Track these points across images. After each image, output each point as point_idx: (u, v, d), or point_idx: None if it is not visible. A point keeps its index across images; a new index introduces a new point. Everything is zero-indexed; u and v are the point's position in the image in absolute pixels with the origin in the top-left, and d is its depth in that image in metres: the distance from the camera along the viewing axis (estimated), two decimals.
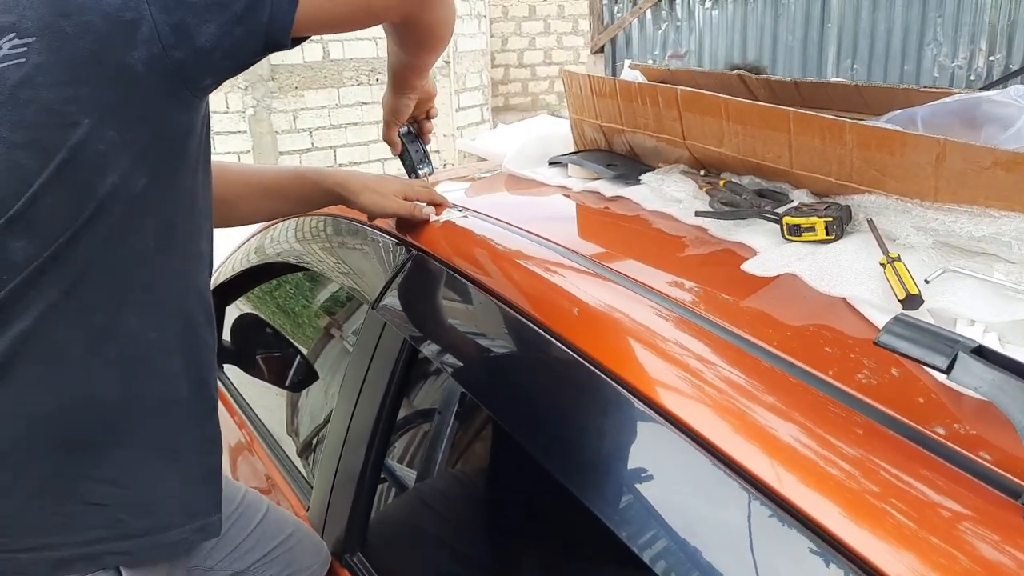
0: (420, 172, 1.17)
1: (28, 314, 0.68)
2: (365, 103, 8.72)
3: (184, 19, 0.68)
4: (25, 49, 0.67)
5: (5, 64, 0.67)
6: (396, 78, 1.05)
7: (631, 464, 0.67)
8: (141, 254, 0.73)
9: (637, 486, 0.65)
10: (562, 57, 12.03)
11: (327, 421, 1.53)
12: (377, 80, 8.34)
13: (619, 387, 0.69)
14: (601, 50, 5.39)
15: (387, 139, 1.13)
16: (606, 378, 0.70)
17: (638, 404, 0.66)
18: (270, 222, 1.65)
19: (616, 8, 5.30)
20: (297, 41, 0.76)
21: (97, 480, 0.73)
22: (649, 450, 0.66)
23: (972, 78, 4.82)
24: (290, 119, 8.13)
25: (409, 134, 1.16)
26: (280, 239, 1.57)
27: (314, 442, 1.56)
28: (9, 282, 0.68)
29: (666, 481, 0.64)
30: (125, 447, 0.74)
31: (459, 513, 1.12)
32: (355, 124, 8.73)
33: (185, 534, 0.78)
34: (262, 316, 1.82)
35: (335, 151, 8.65)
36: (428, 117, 1.15)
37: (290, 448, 1.55)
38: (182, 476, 0.79)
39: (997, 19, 4.70)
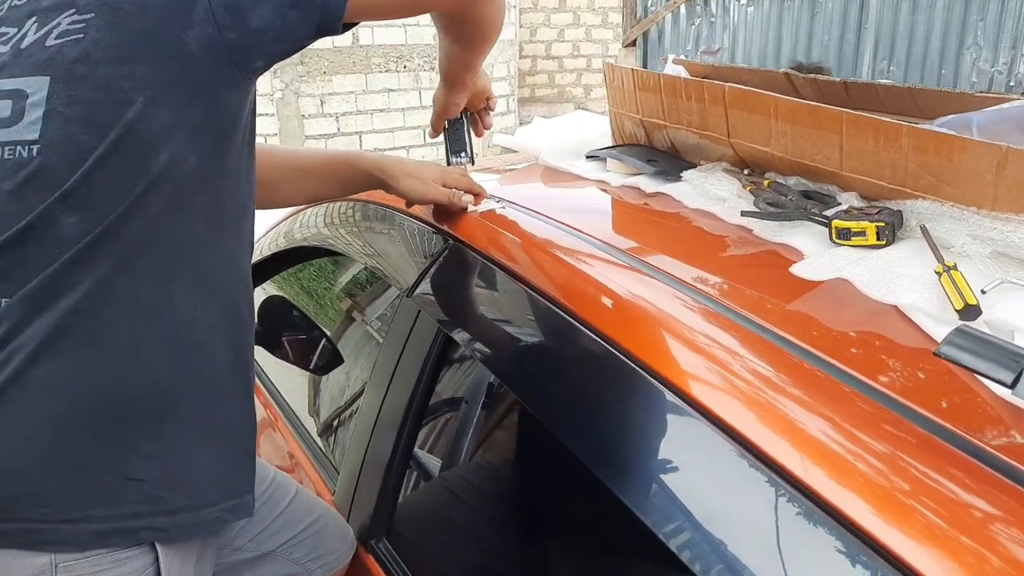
0: (453, 160, 1.16)
1: (78, 289, 0.69)
2: (392, 90, 8.73)
3: (238, 0, 0.69)
4: (83, 25, 0.68)
5: (63, 40, 0.68)
6: (447, 75, 1.05)
7: (666, 459, 0.66)
8: (190, 233, 0.74)
9: (670, 479, 0.64)
10: (590, 50, 11.95)
11: (349, 404, 1.54)
12: (404, 67, 8.34)
13: (656, 382, 0.68)
14: (633, 44, 5.33)
15: (434, 128, 1.14)
16: (643, 373, 0.69)
17: (675, 400, 0.65)
18: (302, 207, 1.66)
19: (650, 2, 5.25)
20: (348, 26, 0.76)
21: (139, 454, 0.73)
22: (684, 446, 0.66)
23: (1012, 84, 4.72)
24: (317, 103, 8.16)
25: (456, 121, 1.14)
26: (311, 224, 1.58)
27: (335, 423, 1.57)
28: (60, 256, 0.68)
29: (700, 477, 0.63)
30: (168, 423, 0.75)
31: (487, 504, 1.12)
32: (381, 111, 8.74)
33: (219, 512, 0.78)
34: (289, 299, 1.83)
35: (361, 137, 8.66)
36: (487, 109, 1.14)
37: (314, 429, 1.56)
38: (220, 454, 0.79)
39: None
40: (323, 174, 1.11)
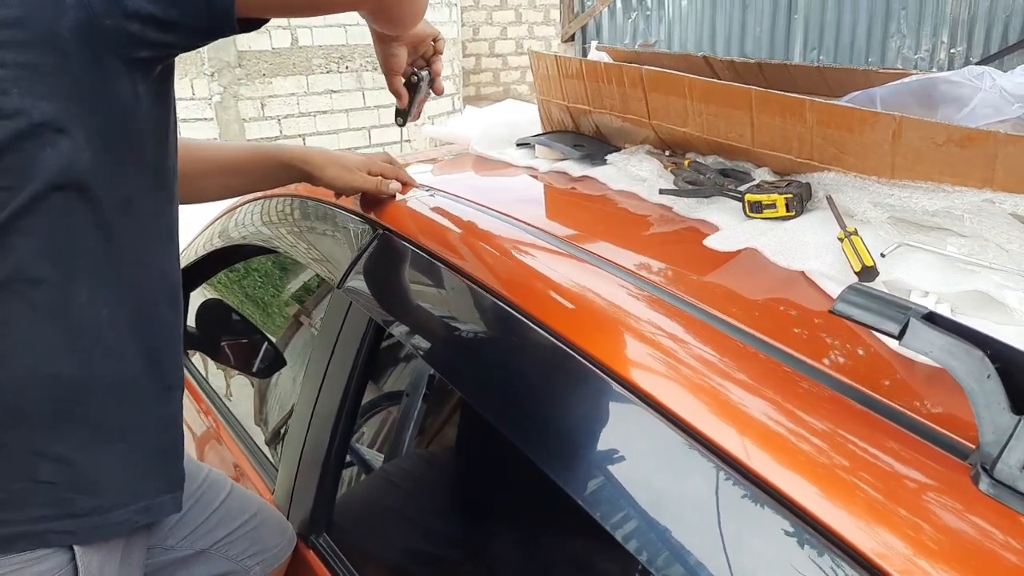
0: (397, 121, 1.13)
1: None
2: (335, 91, 8.62)
3: None
4: None
5: None
6: (376, 38, 1.01)
7: (598, 439, 0.67)
8: (93, 231, 0.71)
9: (604, 462, 0.65)
10: (533, 47, 12.00)
11: (275, 403, 1.52)
12: (346, 68, 8.25)
13: (586, 362, 0.69)
14: (572, 38, 5.38)
15: (392, 91, 1.08)
16: (573, 354, 0.70)
17: (606, 379, 0.67)
18: (233, 205, 1.63)
19: None
20: (251, 24, 0.73)
21: (46, 457, 0.71)
22: (616, 425, 0.67)
23: (934, 70, 4.91)
24: (258, 106, 8.01)
25: (417, 83, 1.09)
26: (244, 222, 1.55)
27: (283, 429, 1.54)
28: None
29: (633, 456, 0.64)
30: (76, 424, 0.73)
31: (425, 491, 1.12)
32: (324, 112, 8.63)
33: (129, 514, 0.76)
34: (227, 301, 1.79)
35: (304, 139, 8.53)
36: (436, 53, 1.08)
37: (258, 435, 1.54)
38: (132, 456, 0.77)
39: (959, 12, 4.80)
40: (246, 167, 1.09)
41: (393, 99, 1.10)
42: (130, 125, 0.73)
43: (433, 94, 1.12)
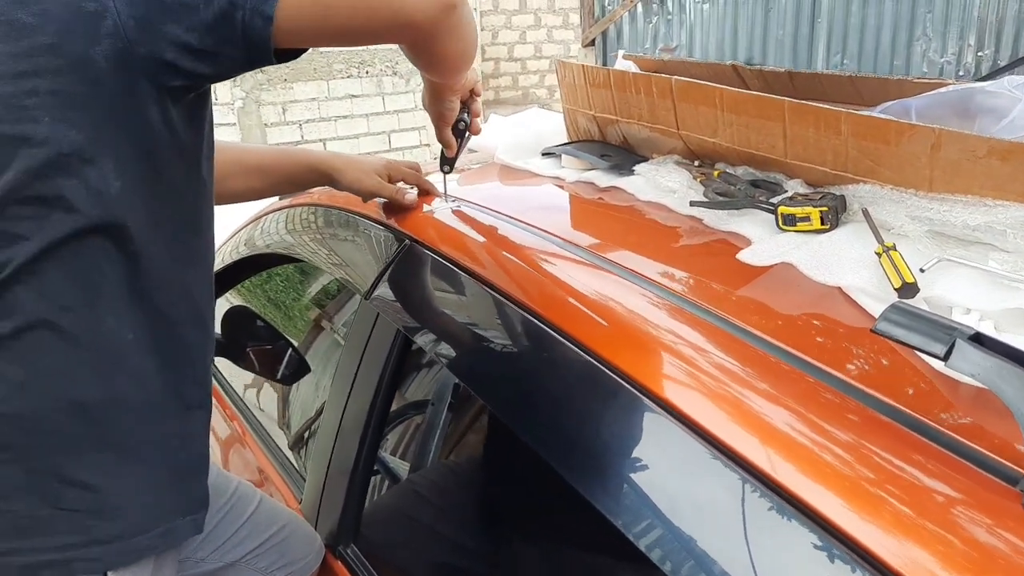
0: (444, 169, 1.11)
1: (4, 315, 0.67)
2: (355, 96, 8.68)
3: (149, 15, 0.65)
4: None
5: None
6: (431, 89, 0.99)
7: (627, 452, 0.67)
8: (120, 258, 0.71)
9: (632, 474, 0.65)
10: (552, 51, 12.00)
11: (319, 413, 1.53)
12: (367, 73, 8.31)
13: (615, 376, 0.68)
14: (592, 43, 5.37)
15: (443, 141, 1.07)
16: (602, 367, 0.70)
17: (634, 392, 0.66)
18: (259, 213, 1.64)
19: (607, 1, 5.29)
20: (287, 55, 0.72)
21: (70, 483, 0.71)
22: (645, 438, 0.66)
23: (961, 73, 4.84)
24: (279, 111, 8.09)
25: (462, 130, 1.07)
26: (272, 230, 1.56)
27: (306, 434, 1.55)
28: None
29: (661, 469, 0.64)
30: (100, 450, 0.72)
31: (453, 503, 1.12)
32: (345, 117, 8.69)
33: (151, 539, 0.75)
34: (253, 308, 1.81)
35: (325, 144, 8.60)
36: (474, 96, 1.07)
37: (282, 440, 1.54)
38: (151, 478, 0.76)
39: (986, 15, 4.72)
40: (269, 169, 1.10)
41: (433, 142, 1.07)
42: (161, 152, 0.72)
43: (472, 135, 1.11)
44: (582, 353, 0.72)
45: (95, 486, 0.71)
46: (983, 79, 4.82)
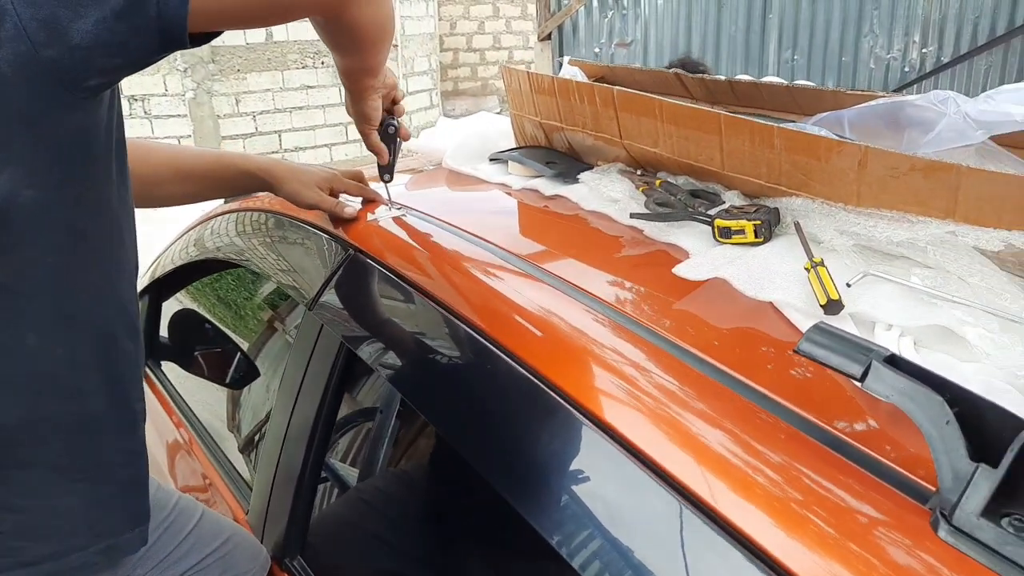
0: (385, 177, 1.11)
1: None
2: (311, 86, 8.53)
3: (54, 13, 0.61)
4: None
5: None
6: (350, 84, 0.97)
7: (560, 468, 0.68)
8: (39, 272, 0.68)
9: (563, 490, 0.66)
10: (511, 42, 11.96)
11: (267, 420, 1.51)
12: (323, 63, 8.17)
13: (550, 391, 0.69)
14: (548, 37, 5.38)
15: (372, 148, 1.05)
16: (538, 382, 0.70)
17: (569, 408, 0.67)
18: (208, 215, 1.61)
19: None
20: (205, 38, 0.70)
21: None
22: (578, 454, 0.67)
23: (906, 69, 4.98)
24: (232, 103, 7.92)
25: (392, 135, 1.07)
26: (220, 233, 1.53)
27: (255, 441, 1.53)
28: None
29: (591, 485, 0.65)
30: (29, 470, 0.70)
31: (400, 511, 1.12)
32: (300, 108, 8.54)
33: (89, 556, 0.73)
34: (201, 312, 1.77)
35: (280, 136, 8.45)
36: (395, 102, 1.06)
37: (230, 448, 1.52)
38: (93, 495, 0.74)
39: (929, 13, 4.86)
40: (203, 174, 1.07)
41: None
42: (77, 156, 0.69)
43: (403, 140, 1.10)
44: (519, 367, 0.73)
45: (23, 507, 0.70)
46: (927, 75, 4.96)
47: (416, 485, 1.16)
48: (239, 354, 1.51)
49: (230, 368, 1.53)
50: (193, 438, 1.57)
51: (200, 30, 0.68)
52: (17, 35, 0.61)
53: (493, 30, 11.81)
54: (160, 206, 1.06)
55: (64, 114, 0.66)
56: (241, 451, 1.49)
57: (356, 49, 0.90)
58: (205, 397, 1.71)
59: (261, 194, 1.32)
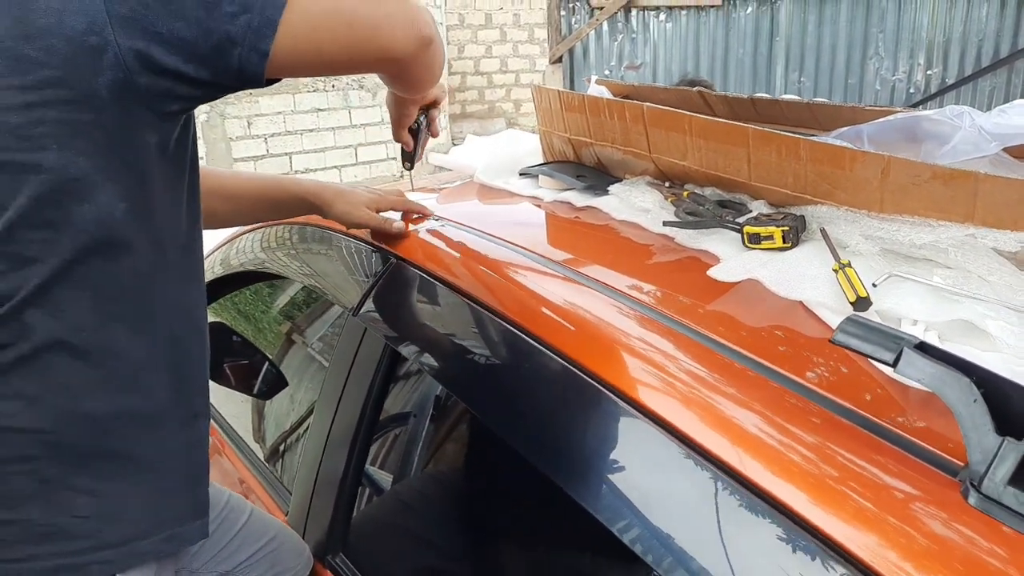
0: (405, 165, 1.19)
1: (19, 337, 0.70)
2: (321, 109, 8.66)
3: (149, 48, 0.68)
4: None
5: None
6: (397, 100, 1.06)
7: (608, 454, 0.72)
8: (129, 277, 0.75)
9: (613, 474, 0.70)
10: (518, 65, 12.12)
11: (297, 426, 1.55)
12: (333, 87, 8.31)
13: (596, 383, 0.73)
14: (559, 60, 5.48)
15: (399, 139, 1.14)
16: (583, 375, 0.75)
17: (614, 399, 0.71)
18: (239, 231, 1.67)
19: (574, 20, 5.41)
20: (273, 80, 0.77)
21: (82, 492, 0.74)
22: (624, 441, 0.72)
23: (911, 91, 5.05)
24: (244, 125, 8.03)
25: (418, 129, 1.15)
26: (247, 249, 1.59)
27: (282, 447, 1.58)
28: None
29: (640, 468, 0.69)
30: (109, 460, 0.75)
31: (437, 511, 1.16)
32: (311, 131, 8.66)
33: (155, 544, 0.78)
34: (228, 324, 1.82)
35: (290, 158, 8.56)
36: (435, 105, 1.14)
37: (261, 453, 1.57)
38: (158, 486, 0.79)
39: (934, 36, 4.95)
40: (259, 199, 1.13)
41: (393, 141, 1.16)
42: (157, 174, 0.76)
43: (431, 136, 1.19)
44: (563, 362, 0.77)
45: (103, 493, 0.75)
46: (932, 96, 5.03)
47: (452, 486, 1.20)
48: (266, 365, 1.55)
49: (257, 379, 1.58)
50: (225, 441, 1.61)
51: (275, 76, 0.75)
52: (116, 64, 0.68)
53: (500, 54, 11.97)
54: (217, 226, 1.12)
55: (150, 134, 0.73)
56: (275, 454, 1.54)
57: (408, 90, 1.00)
58: (235, 402, 1.76)
59: None
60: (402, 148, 1.17)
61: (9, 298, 0.69)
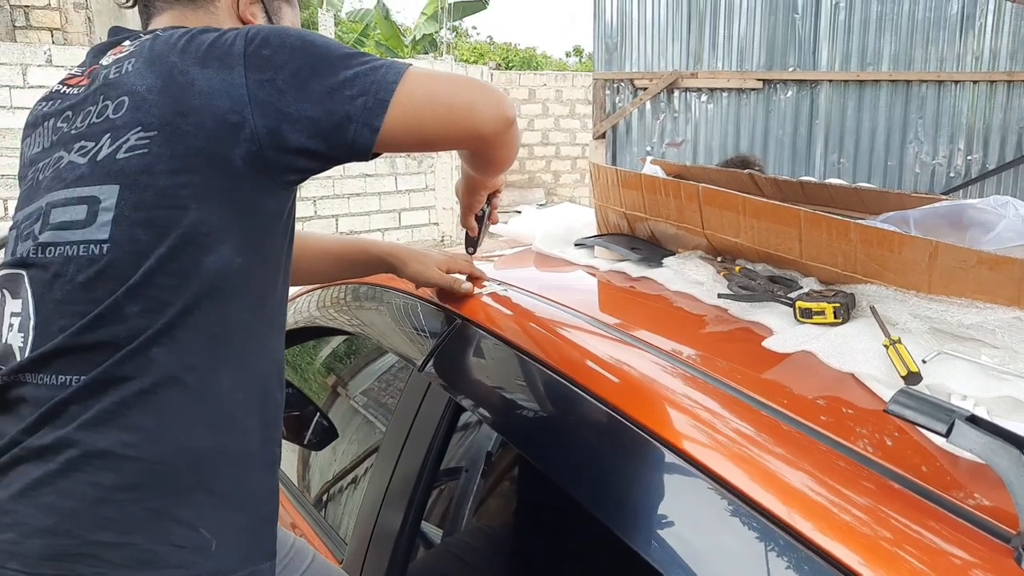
0: (469, 249, 1.28)
1: (141, 373, 0.78)
2: (368, 175, 8.98)
3: (279, 126, 0.80)
4: (148, 141, 0.80)
5: (131, 153, 0.80)
6: (469, 183, 1.17)
7: (671, 512, 0.76)
8: (236, 323, 0.84)
9: (670, 528, 0.74)
10: (559, 138, 12.45)
11: (351, 477, 1.60)
12: (382, 153, 8.62)
13: (652, 440, 0.78)
14: (603, 136, 5.66)
15: (466, 225, 1.25)
16: (639, 430, 0.79)
17: (670, 456, 0.76)
18: (305, 289, 1.77)
19: (618, 99, 5.61)
20: (378, 154, 0.88)
21: (183, 523, 0.80)
22: (685, 497, 0.76)
23: (952, 175, 5.09)
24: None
25: (482, 216, 1.26)
26: (302, 309, 1.68)
27: (333, 494, 1.62)
28: (127, 343, 0.78)
29: (698, 523, 0.73)
30: (207, 494, 0.82)
31: (487, 563, 1.19)
32: (358, 195, 8.96)
33: None
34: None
35: (337, 220, 8.84)
36: (496, 193, 1.25)
37: (315, 498, 1.61)
38: (244, 523, 0.85)
39: (974, 121, 5.01)
40: (339, 257, 1.23)
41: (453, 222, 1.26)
42: (270, 233, 0.87)
43: (491, 223, 1.30)
44: (623, 421, 0.82)
45: (199, 526, 0.80)
46: (973, 181, 5.06)
47: (501, 538, 1.23)
48: (317, 416, 1.61)
49: (308, 431, 1.64)
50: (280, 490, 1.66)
51: (380, 151, 0.86)
52: (251, 138, 0.80)
53: (542, 127, 12.33)
54: (298, 283, 1.22)
55: (268, 200, 0.85)
56: (326, 501, 1.58)
57: (486, 173, 1.12)
58: (288, 455, 1.81)
59: None
60: (466, 233, 1.27)
61: (142, 334, 0.78)
